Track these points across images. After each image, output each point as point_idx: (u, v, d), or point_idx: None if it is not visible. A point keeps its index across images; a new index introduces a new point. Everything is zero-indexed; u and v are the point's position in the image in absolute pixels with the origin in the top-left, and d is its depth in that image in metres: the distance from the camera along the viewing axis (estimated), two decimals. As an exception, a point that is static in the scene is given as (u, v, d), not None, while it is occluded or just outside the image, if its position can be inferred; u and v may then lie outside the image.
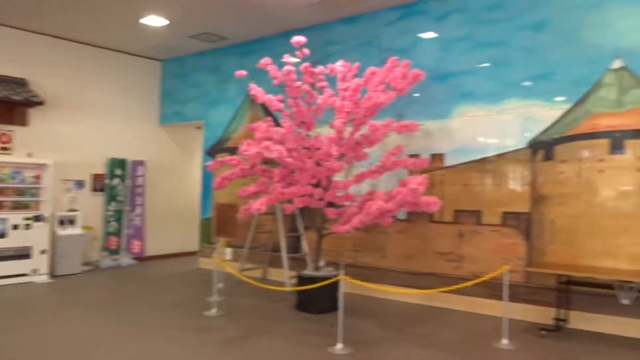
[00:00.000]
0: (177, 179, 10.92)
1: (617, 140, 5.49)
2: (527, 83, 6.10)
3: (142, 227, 10.17)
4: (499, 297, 5.52)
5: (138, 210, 10.12)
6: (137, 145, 10.20)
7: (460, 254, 6.53)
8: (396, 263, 7.07)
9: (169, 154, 10.83)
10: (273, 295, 6.88)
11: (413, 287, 6.61)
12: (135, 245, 10.05)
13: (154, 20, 8.05)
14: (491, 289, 6.07)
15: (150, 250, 10.32)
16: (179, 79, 10.34)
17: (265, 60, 6.29)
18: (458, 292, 5.98)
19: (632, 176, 5.40)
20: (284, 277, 7.44)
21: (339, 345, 4.86)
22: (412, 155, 6.68)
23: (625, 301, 5.16)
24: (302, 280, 6.31)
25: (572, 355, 4.86)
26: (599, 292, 5.42)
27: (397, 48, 7.03)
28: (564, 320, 5.66)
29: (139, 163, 10.13)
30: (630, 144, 5.41)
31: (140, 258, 10.05)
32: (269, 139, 6.02)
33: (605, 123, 5.56)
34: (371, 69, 6.20)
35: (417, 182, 5.54)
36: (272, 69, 6.29)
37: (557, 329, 5.56)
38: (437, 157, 6.78)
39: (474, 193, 6.46)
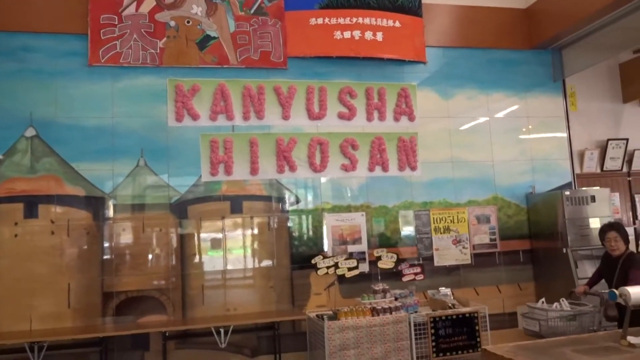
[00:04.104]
0: None
1: (31, 205, 5.69)
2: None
3: None
4: None
5: None
6: None
7: None
8: None
9: None
10: None
11: None
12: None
13: None
14: None
15: None
16: None
17: None
18: None
19: (46, 239, 5.68)
20: None
21: None
22: None
23: (32, 363, 5.25)
24: None
25: None
26: (12, 358, 5.35)
27: None
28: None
29: None
30: (43, 209, 5.70)
31: None
32: None
33: (20, 187, 5.69)
34: None
35: None
36: None
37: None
38: None
39: None
